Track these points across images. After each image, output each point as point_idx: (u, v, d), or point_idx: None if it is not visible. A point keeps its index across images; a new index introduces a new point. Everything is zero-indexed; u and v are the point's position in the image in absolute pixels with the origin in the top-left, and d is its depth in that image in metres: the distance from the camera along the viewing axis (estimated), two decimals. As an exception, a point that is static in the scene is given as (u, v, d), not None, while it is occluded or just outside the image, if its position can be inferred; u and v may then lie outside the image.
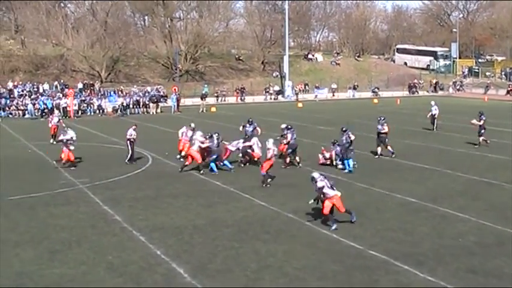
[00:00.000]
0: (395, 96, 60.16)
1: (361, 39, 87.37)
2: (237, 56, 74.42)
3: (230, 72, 71.06)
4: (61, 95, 47.61)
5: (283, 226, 13.90)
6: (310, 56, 78.91)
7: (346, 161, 20.99)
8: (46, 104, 44.31)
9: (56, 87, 53.72)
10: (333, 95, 64.26)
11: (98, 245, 12.88)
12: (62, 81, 56.11)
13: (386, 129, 23.73)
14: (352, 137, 20.92)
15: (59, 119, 29.56)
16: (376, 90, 65.10)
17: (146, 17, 76.29)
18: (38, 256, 12.22)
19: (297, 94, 62.11)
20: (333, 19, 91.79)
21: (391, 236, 13.22)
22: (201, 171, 20.56)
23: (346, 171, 20.58)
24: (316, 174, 13.97)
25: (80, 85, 54.52)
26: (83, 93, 52.03)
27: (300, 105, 52.23)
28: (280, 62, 68.77)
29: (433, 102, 33.00)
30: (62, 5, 72.43)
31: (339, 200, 13.69)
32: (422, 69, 78.14)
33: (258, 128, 24.25)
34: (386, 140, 23.70)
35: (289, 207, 15.08)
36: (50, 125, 29.06)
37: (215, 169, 20.75)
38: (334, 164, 21.56)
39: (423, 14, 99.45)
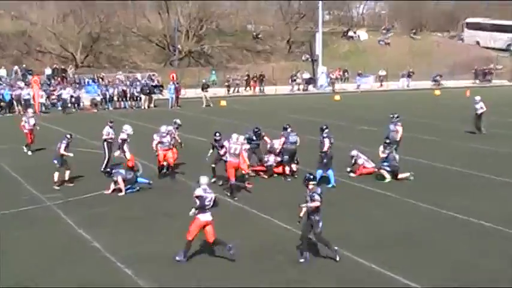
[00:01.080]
0: (463, 87, 59.83)
1: (418, 12, 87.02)
2: (254, 34, 74.57)
3: (245, 54, 71.26)
4: (23, 84, 47.85)
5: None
6: (350, 33, 78.83)
7: (317, 171, 19.90)
8: (2, 96, 44.54)
9: (16, 73, 54.12)
10: (381, 85, 64.18)
11: (69, 281, 12.89)
12: (23, 65, 56.54)
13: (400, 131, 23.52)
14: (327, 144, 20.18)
15: (36, 121, 28.11)
16: (438, 78, 64.93)
17: (135, -17, 76.83)
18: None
19: (333, 84, 62.09)
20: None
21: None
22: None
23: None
24: (203, 180, 14.05)
25: (48, 71, 54.89)
26: (52, 81, 52.34)
27: (336, 98, 52.16)
28: (312, 41, 68.78)
29: (477, 98, 32.35)
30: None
31: (211, 227, 13.71)
32: (501, 50, 77.62)
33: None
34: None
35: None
36: (24, 129, 27.61)
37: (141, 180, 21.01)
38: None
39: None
